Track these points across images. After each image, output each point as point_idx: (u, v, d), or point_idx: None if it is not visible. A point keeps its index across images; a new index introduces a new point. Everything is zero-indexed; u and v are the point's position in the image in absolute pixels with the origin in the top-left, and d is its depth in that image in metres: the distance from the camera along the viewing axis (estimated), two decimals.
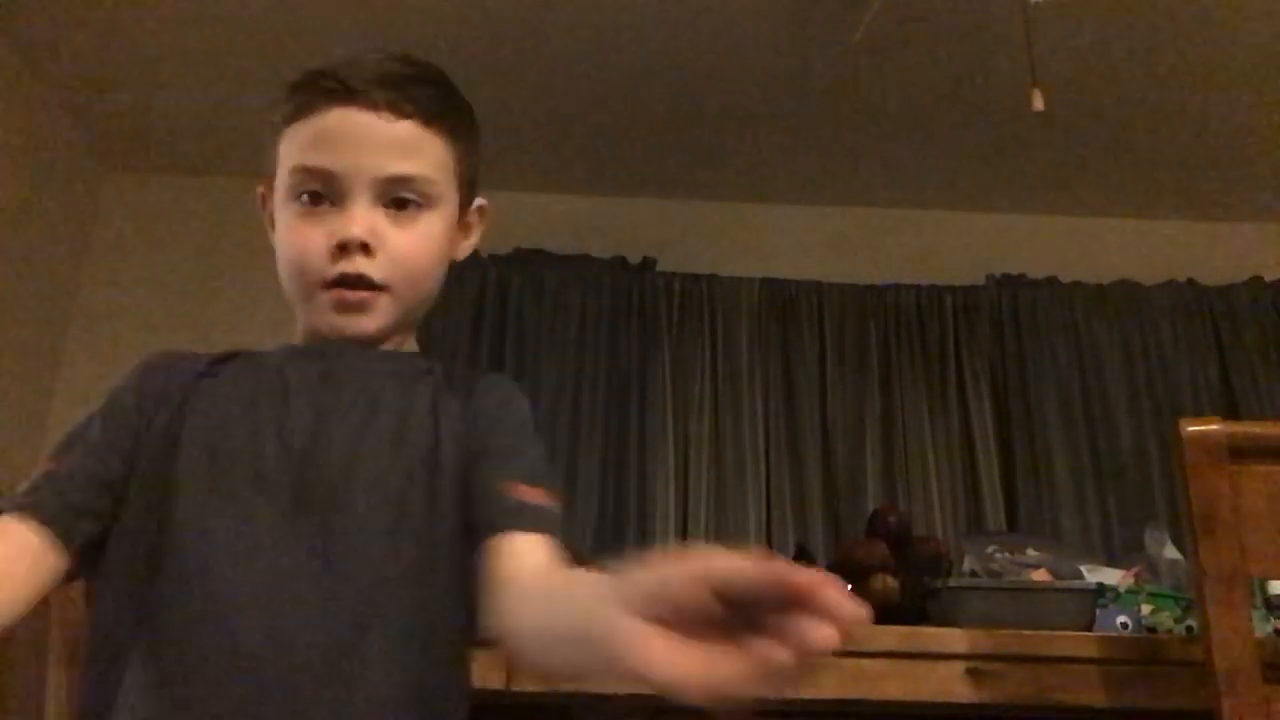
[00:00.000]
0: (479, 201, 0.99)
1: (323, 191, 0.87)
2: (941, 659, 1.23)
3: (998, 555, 1.54)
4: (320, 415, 0.83)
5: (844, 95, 3.07)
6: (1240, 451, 1.01)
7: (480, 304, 3.29)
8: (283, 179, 0.89)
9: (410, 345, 0.95)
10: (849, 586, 1.71)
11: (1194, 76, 2.96)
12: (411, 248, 0.89)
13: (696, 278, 3.39)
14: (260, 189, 0.95)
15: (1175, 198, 3.51)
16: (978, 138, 3.23)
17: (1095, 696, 1.22)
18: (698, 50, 2.89)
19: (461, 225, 0.97)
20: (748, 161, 3.38)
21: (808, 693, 1.22)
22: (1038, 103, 2.10)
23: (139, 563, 0.78)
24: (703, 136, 3.26)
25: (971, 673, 1.22)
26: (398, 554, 0.79)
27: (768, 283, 3.41)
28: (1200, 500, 1.00)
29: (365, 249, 0.86)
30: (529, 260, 3.31)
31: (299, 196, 0.88)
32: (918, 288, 3.42)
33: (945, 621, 1.38)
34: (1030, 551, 1.55)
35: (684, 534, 3.06)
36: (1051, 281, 3.46)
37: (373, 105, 0.87)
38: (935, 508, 3.13)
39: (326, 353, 0.89)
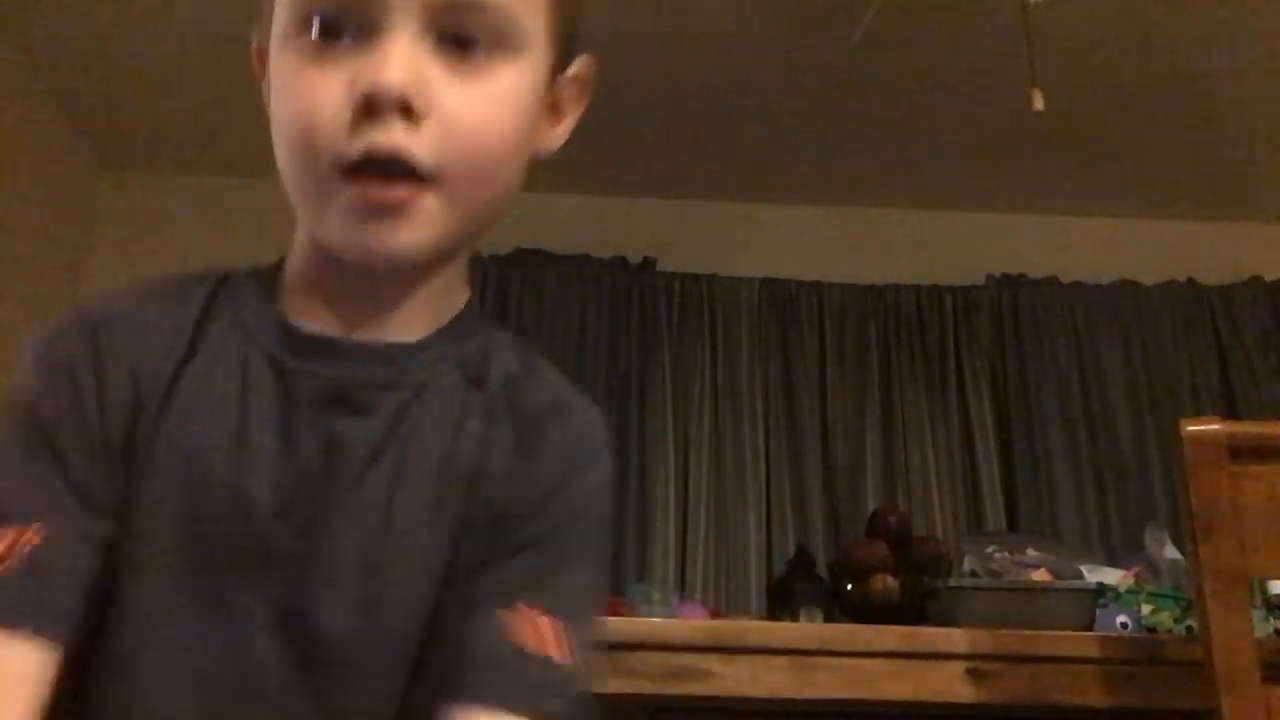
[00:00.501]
0: (578, 64, 0.66)
1: (341, 16, 0.55)
2: (941, 659, 1.23)
3: (998, 555, 1.54)
4: (332, 471, 0.58)
5: (844, 95, 3.06)
6: (1240, 451, 1.01)
7: (480, 304, 3.29)
8: (282, 8, 0.58)
9: (460, 291, 0.67)
10: (849, 586, 1.72)
11: (1194, 77, 2.96)
12: (478, 113, 0.56)
13: (696, 278, 3.39)
14: (254, 44, 0.64)
15: (1175, 198, 3.51)
16: (978, 138, 3.23)
17: (1095, 696, 1.22)
18: (698, 50, 2.89)
19: (550, 99, 0.64)
20: (748, 161, 3.38)
21: (808, 693, 1.22)
22: (1038, 103, 2.10)
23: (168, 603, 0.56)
24: (703, 136, 3.25)
25: (971, 673, 1.22)
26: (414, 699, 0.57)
27: (768, 283, 3.41)
28: (1200, 500, 1.00)
29: (406, 110, 0.54)
30: (529, 260, 3.31)
31: (306, 24, 0.56)
32: (918, 288, 3.42)
33: (945, 621, 1.38)
34: (1030, 551, 1.55)
35: (684, 534, 3.07)
36: (1051, 281, 3.46)
37: None
38: (935, 508, 3.13)
39: (340, 350, 0.61)
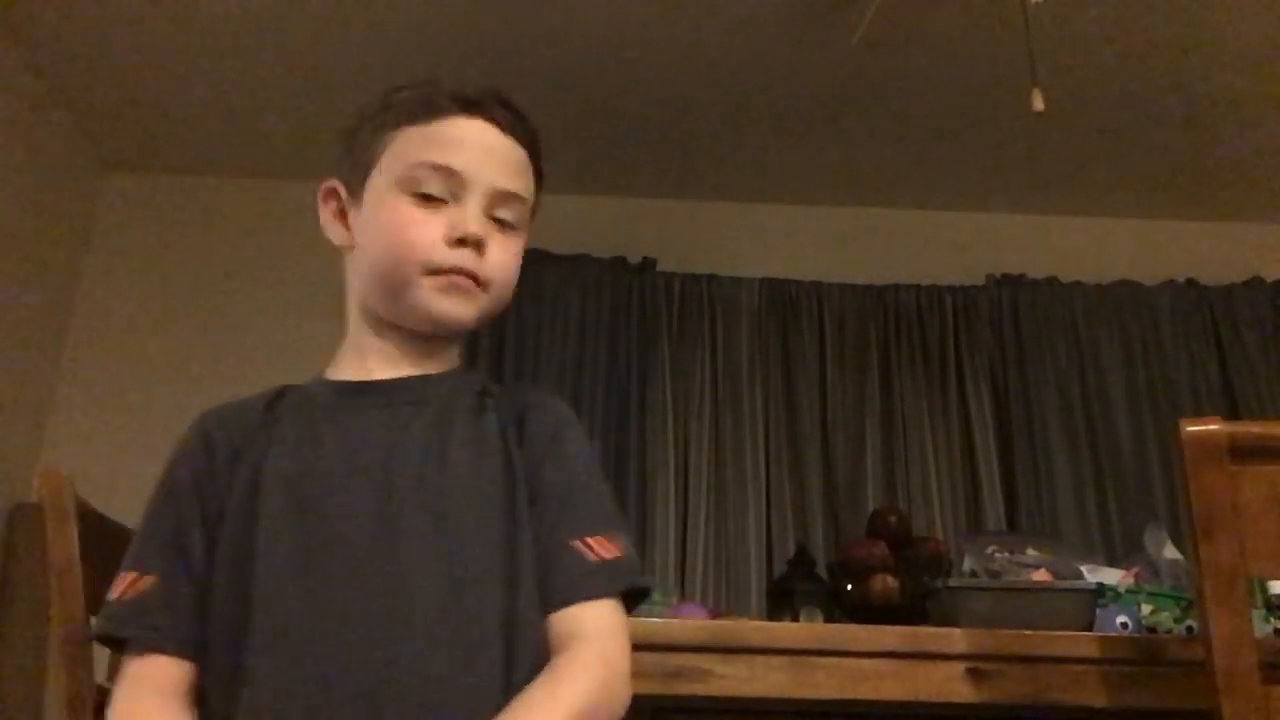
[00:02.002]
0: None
1: (440, 192, 0.92)
2: (941, 659, 1.23)
3: (998, 555, 1.54)
4: (394, 455, 0.86)
5: (844, 95, 3.07)
6: (1240, 451, 1.01)
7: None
8: (397, 172, 0.93)
9: (455, 353, 0.99)
10: (849, 586, 1.72)
11: (1194, 77, 2.96)
12: (505, 262, 0.94)
13: (696, 278, 3.39)
14: (329, 185, 1.00)
15: (1175, 198, 3.51)
16: (978, 138, 3.23)
17: (1095, 696, 1.22)
18: (698, 50, 2.89)
19: None
20: (748, 161, 3.38)
21: (807, 693, 1.22)
22: (1038, 103, 2.10)
23: (229, 630, 0.81)
24: (703, 136, 3.26)
25: (971, 673, 1.22)
26: (489, 569, 0.83)
27: (768, 283, 3.41)
28: (1200, 500, 1.00)
29: (479, 247, 0.91)
30: (529, 260, 3.25)
31: (415, 191, 0.92)
32: (918, 288, 3.42)
33: (945, 621, 1.38)
34: (1030, 551, 1.55)
35: (684, 534, 3.07)
36: (1051, 281, 3.46)
37: (496, 121, 0.95)
38: (935, 508, 3.13)
39: (374, 386, 0.93)
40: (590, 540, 0.87)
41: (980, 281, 3.46)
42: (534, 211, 1.01)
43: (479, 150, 0.93)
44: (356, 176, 0.97)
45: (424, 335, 0.95)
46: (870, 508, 2.98)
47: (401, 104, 0.96)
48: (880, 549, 1.73)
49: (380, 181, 0.94)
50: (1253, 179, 3.41)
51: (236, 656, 0.79)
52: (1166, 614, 1.40)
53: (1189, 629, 1.36)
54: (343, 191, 0.99)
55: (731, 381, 3.28)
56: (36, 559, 2.66)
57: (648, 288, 3.36)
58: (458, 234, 0.90)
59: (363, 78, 3.02)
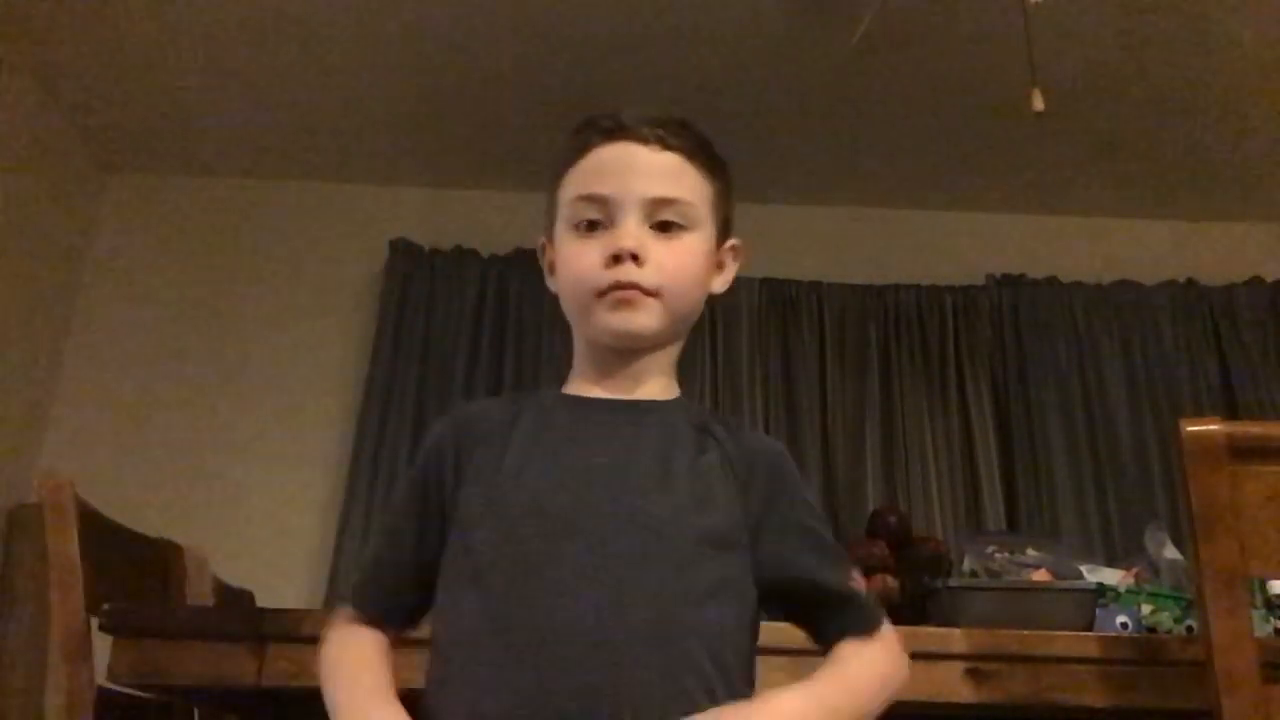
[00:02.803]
0: (733, 240, 1.08)
1: (598, 217, 0.97)
2: (941, 659, 1.23)
3: (998, 555, 1.54)
4: (618, 467, 0.91)
5: (844, 95, 3.07)
6: (1240, 451, 1.01)
7: (480, 304, 3.29)
8: (563, 214, 1.00)
9: (674, 373, 1.03)
10: None
11: (1194, 77, 2.96)
12: (676, 260, 0.97)
13: None
14: (541, 241, 1.06)
15: (1175, 198, 3.51)
16: (978, 138, 3.23)
17: (1095, 696, 1.22)
18: (698, 50, 2.89)
19: (717, 259, 1.05)
20: (748, 161, 3.37)
21: None
22: (1038, 103, 2.10)
23: (497, 579, 0.88)
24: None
25: (971, 673, 1.22)
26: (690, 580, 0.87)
27: (768, 283, 3.41)
28: (1200, 500, 1.00)
29: (635, 258, 0.94)
30: (529, 260, 3.29)
31: (578, 224, 0.98)
32: (918, 288, 3.42)
33: (945, 621, 1.38)
34: (1030, 551, 1.55)
35: None
36: (1051, 281, 3.46)
37: (642, 138, 0.98)
38: (935, 508, 3.13)
39: (598, 404, 0.98)
40: (858, 576, 0.97)
41: (980, 281, 3.46)
42: (720, 210, 1.05)
43: (623, 170, 0.97)
44: (549, 228, 1.04)
45: (626, 354, 0.99)
46: (870, 508, 2.98)
47: (561, 150, 1.02)
48: (880, 549, 1.73)
49: (559, 228, 1.01)
50: (1253, 179, 3.41)
51: (463, 647, 0.86)
52: (1166, 614, 1.40)
53: (1189, 629, 1.36)
54: (547, 245, 1.05)
55: (731, 381, 3.28)
56: (36, 559, 2.66)
57: None
58: (610, 251, 0.94)
59: (362, 78, 3.02)
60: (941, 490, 3.16)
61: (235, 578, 1.99)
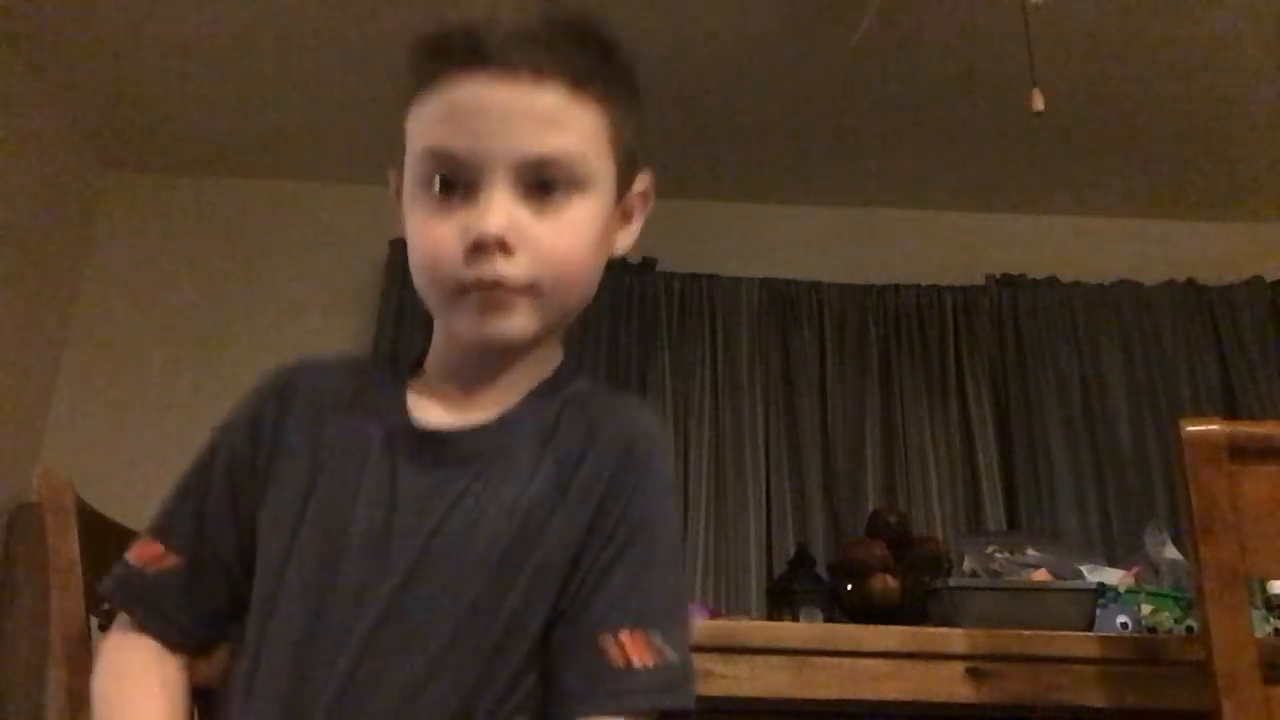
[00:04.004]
0: (641, 181, 0.84)
1: (454, 179, 0.74)
2: (941, 659, 1.23)
3: (998, 555, 1.54)
4: (422, 515, 0.74)
5: (844, 95, 3.07)
6: (1240, 451, 1.01)
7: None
8: (411, 164, 0.77)
9: (555, 346, 0.84)
10: (849, 586, 1.72)
11: (1193, 77, 2.96)
12: (559, 241, 0.74)
13: (696, 278, 3.39)
14: (390, 174, 0.83)
15: (1175, 198, 3.51)
16: (978, 138, 3.23)
17: (1095, 696, 1.22)
18: (698, 50, 2.89)
19: (620, 210, 0.82)
20: (748, 161, 3.38)
21: (808, 693, 1.22)
22: (1038, 103, 2.10)
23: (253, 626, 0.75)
24: (703, 136, 3.26)
25: (971, 673, 1.22)
26: (441, 685, 0.70)
27: (768, 283, 3.41)
28: (1200, 500, 1.00)
29: (504, 247, 0.72)
30: None
31: (429, 185, 0.75)
32: (918, 288, 3.42)
33: (945, 621, 1.38)
34: (1030, 551, 1.55)
35: (684, 534, 3.06)
36: (1051, 281, 3.46)
37: (509, 71, 0.72)
38: (935, 508, 3.13)
39: (438, 439, 0.78)
40: (624, 637, 0.71)
41: (980, 281, 3.46)
42: (622, 149, 0.80)
43: (482, 119, 0.72)
44: (397, 174, 0.81)
45: (493, 354, 0.79)
46: (870, 508, 2.98)
47: (407, 64, 0.78)
48: (880, 549, 1.73)
49: (407, 178, 0.79)
50: (1253, 179, 3.41)
51: (249, 676, 0.73)
52: (1166, 614, 1.40)
53: (1189, 629, 1.36)
54: (395, 176, 0.82)
55: (731, 381, 3.28)
56: (36, 559, 2.66)
57: (648, 288, 3.36)
58: (470, 238, 0.72)
59: (362, 78, 3.02)
60: (941, 490, 3.16)
61: None
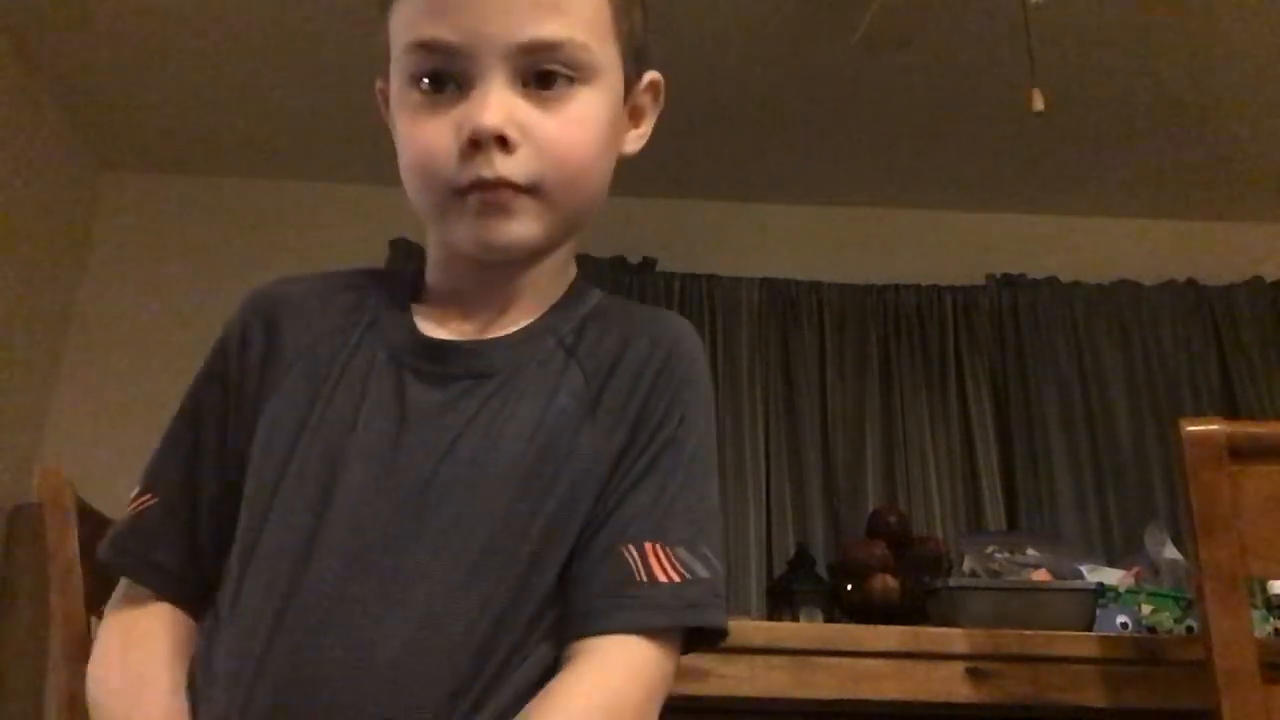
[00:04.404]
0: (650, 75, 0.79)
1: (445, 72, 0.68)
2: (941, 659, 1.23)
3: (998, 555, 1.54)
4: (430, 440, 0.68)
5: (844, 95, 3.07)
6: (1240, 451, 1.01)
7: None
8: (397, 62, 0.71)
9: (568, 261, 0.80)
10: (849, 586, 1.71)
11: (1193, 76, 2.96)
12: (563, 136, 0.69)
13: (696, 278, 3.39)
14: (378, 86, 0.77)
15: (1175, 198, 3.51)
16: (978, 138, 3.23)
17: (1095, 696, 1.22)
18: (698, 50, 2.89)
19: (629, 107, 0.78)
20: (748, 161, 3.38)
21: (808, 693, 1.22)
22: (1038, 103, 2.10)
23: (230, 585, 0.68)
24: (703, 136, 3.25)
25: (971, 673, 1.22)
26: (468, 607, 0.64)
27: (768, 283, 3.41)
28: (1200, 500, 1.00)
29: (503, 143, 0.67)
30: None
31: (417, 82, 0.69)
32: (918, 288, 3.42)
33: (945, 621, 1.38)
34: (1030, 551, 1.55)
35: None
36: (1051, 281, 3.46)
37: None
38: (935, 508, 3.13)
39: (448, 352, 0.72)
40: (648, 549, 0.66)
41: (980, 281, 3.46)
42: (628, 38, 0.75)
43: (477, 2, 0.67)
44: (384, 74, 0.75)
45: (496, 267, 0.74)
46: (870, 508, 2.98)
47: None
48: (880, 549, 1.73)
49: (394, 79, 0.73)
50: (1253, 179, 3.41)
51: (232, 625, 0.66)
52: (1166, 614, 1.40)
53: (1189, 629, 1.36)
54: (384, 87, 0.76)
55: (731, 381, 3.28)
56: (36, 559, 2.66)
57: (648, 288, 3.36)
58: (466, 133, 0.67)
59: (362, 78, 3.02)
60: (941, 490, 3.16)
61: None
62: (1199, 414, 2.68)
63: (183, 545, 0.72)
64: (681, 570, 0.67)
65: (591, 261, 3.36)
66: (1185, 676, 1.19)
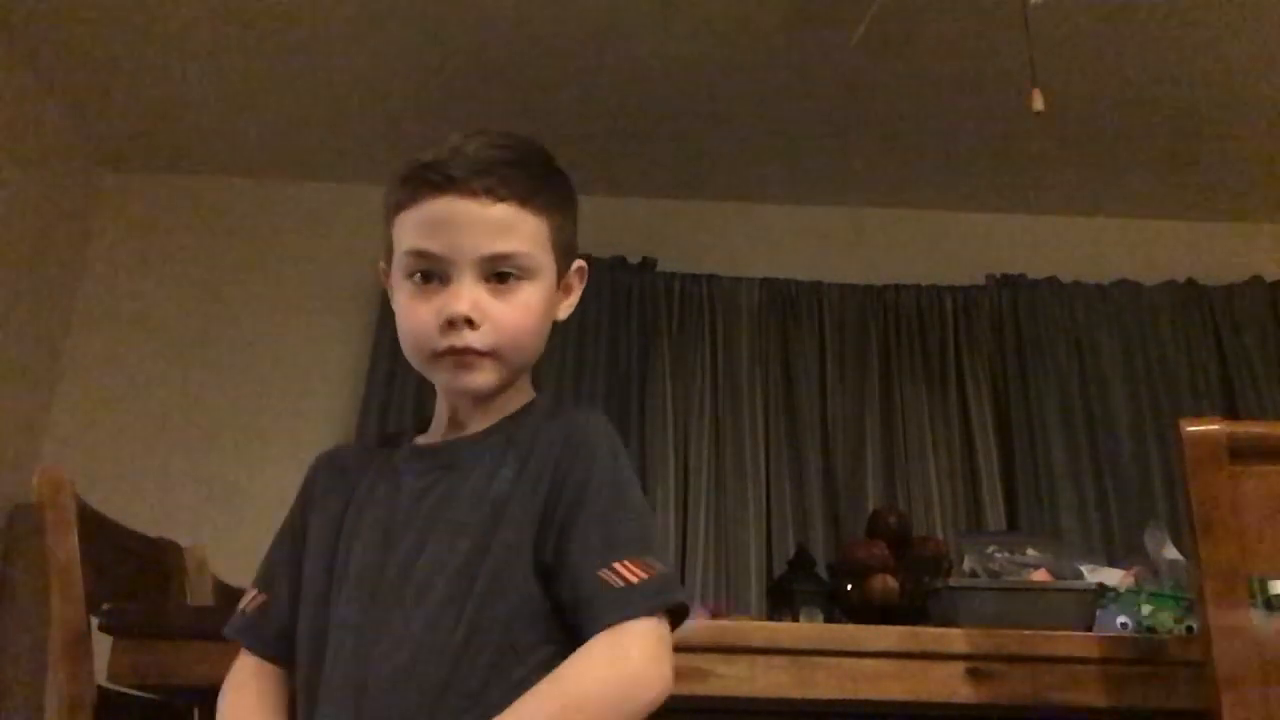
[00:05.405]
0: (577, 263, 1.09)
1: (432, 271, 0.97)
2: (941, 659, 1.23)
3: (998, 555, 1.54)
4: (426, 533, 0.95)
5: (844, 95, 3.07)
6: (1240, 451, 1.01)
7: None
8: (398, 260, 1.00)
9: (524, 388, 1.07)
10: (849, 586, 1.72)
11: (1194, 77, 2.96)
12: (512, 317, 0.98)
13: (696, 278, 3.39)
14: (380, 265, 1.07)
15: (1175, 198, 3.51)
16: (978, 138, 3.23)
17: (1095, 696, 1.22)
18: (698, 50, 2.89)
19: (562, 287, 1.06)
20: (748, 161, 3.38)
21: (808, 693, 1.22)
22: (1038, 103, 2.10)
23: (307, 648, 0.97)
24: (703, 136, 3.26)
25: (971, 673, 1.22)
26: (441, 634, 0.89)
27: (768, 283, 3.41)
28: (1200, 500, 1.00)
29: (470, 323, 0.96)
30: None
31: (412, 276, 0.99)
32: (918, 288, 3.42)
33: (945, 621, 1.38)
34: (1030, 551, 1.55)
35: (684, 534, 3.07)
36: (1051, 281, 3.46)
37: (471, 192, 0.97)
38: (935, 508, 3.13)
39: (428, 451, 1.02)
40: (617, 565, 0.89)
41: (980, 281, 3.46)
42: (561, 244, 1.04)
43: (453, 228, 0.96)
44: (387, 255, 1.05)
45: (472, 397, 1.02)
46: (870, 508, 2.98)
47: (397, 189, 1.01)
48: (880, 549, 1.73)
49: (395, 271, 1.02)
50: (1253, 179, 3.41)
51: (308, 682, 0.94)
52: (1166, 614, 1.40)
53: (1189, 629, 1.36)
54: (386, 271, 1.06)
55: (731, 381, 3.28)
56: (36, 559, 2.66)
57: (648, 288, 3.36)
58: (444, 316, 0.96)
59: (362, 78, 3.02)
60: (941, 490, 3.16)
61: (235, 578, 1.99)
62: (1199, 414, 2.68)
63: (274, 627, 1.01)
64: (647, 570, 0.89)
65: (591, 261, 3.35)
66: (1185, 676, 1.19)
